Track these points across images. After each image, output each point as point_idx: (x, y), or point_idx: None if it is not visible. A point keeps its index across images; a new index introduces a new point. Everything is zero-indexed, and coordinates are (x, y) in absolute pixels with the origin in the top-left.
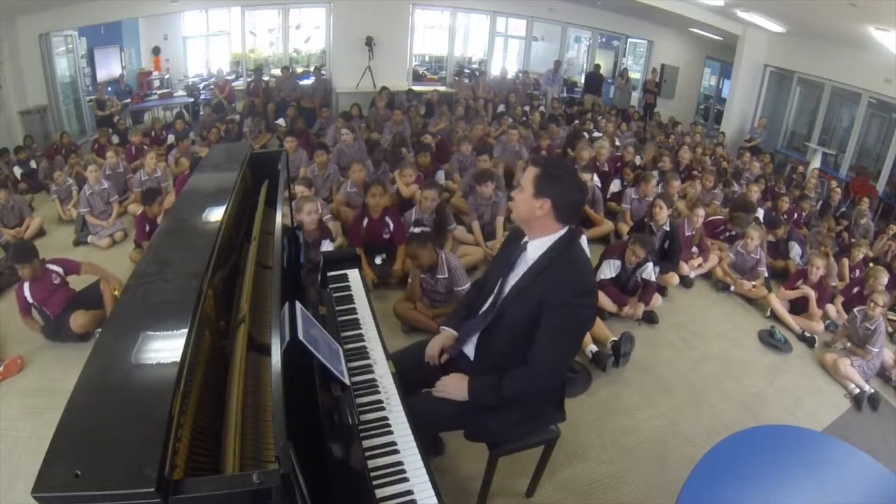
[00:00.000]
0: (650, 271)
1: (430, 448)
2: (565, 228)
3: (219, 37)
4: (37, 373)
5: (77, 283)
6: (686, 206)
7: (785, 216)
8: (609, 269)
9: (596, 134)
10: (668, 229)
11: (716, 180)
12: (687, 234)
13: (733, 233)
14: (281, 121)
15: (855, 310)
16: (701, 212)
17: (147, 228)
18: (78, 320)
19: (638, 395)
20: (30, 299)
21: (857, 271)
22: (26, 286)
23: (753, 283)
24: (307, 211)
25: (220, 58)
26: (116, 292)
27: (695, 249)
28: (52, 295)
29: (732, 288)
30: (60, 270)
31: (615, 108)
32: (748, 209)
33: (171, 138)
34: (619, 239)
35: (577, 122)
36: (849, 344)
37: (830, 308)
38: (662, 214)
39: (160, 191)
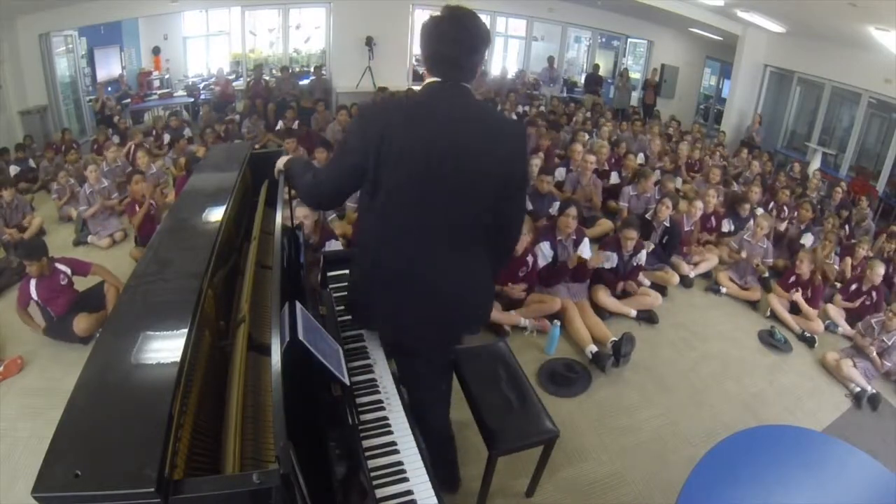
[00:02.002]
0: (642, 257)
1: (445, 477)
2: (432, 78)
3: (219, 37)
4: (37, 373)
5: (79, 283)
6: (685, 204)
7: (785, 208)
8: (607, 262)
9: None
10: (667, 224)
11: (720, 178)
12: (686, 228)
13: (732, 229)
14: (281, 123)
15: (872, 320)
16: (700, 204)
17: (136, 208)
18: (81, 324)
19: (638, 395)
20: (34, 297)
21: (859, 269)
22: (32, 283)
23: (747, 287)
24: (303, 215)
25: (220, 58)
26: None
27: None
28: (58, 296)
29: (724, 290)
30: (68, 271)
31: (613, 108)
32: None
33: (167, 138)
34: None
35: (574, 121)
36: (869, 348)
37: (831, 307)
38: (666, 213)
39: (140, 171)
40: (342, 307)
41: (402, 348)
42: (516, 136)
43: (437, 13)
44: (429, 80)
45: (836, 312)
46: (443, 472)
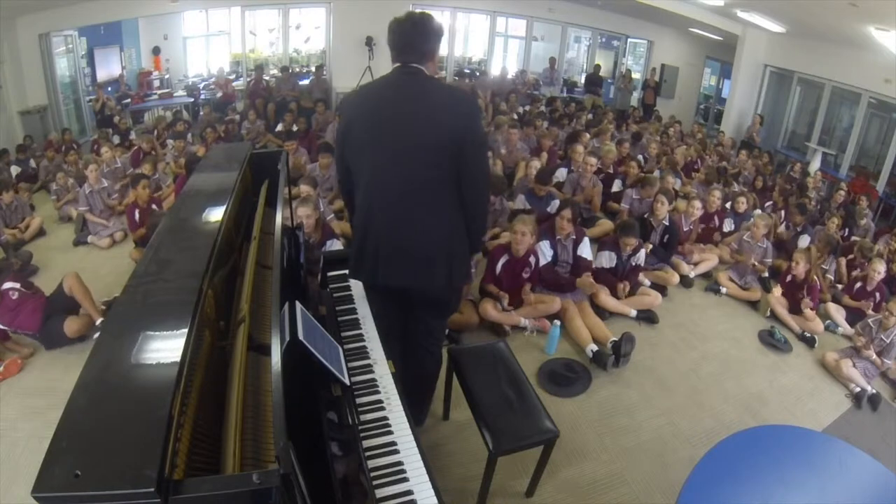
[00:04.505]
0: (641, 257)
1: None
2: (395, 64)
3: (219, 37)
4: (37, 373)
5: (46, 286)
6: (684, 203)
7: (784, 210)
8: (606, 261)
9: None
10: (667, 224)
11: (714, 178)
12: (685, 228)
13: (733, 229)
14: (280, 126)
15: (870, 320)
16: (698, 204)
17: (137, 217)
18: (72, 326)
19: (638, 395)
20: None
21: (860, 269)
22: None
23: (747, 287)
24: (304, 214)
25: (220, 58)
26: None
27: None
28: (18, 312)
29: (724, 290)
30: (17, 285)
31: (613, 109)
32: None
33: (169, 143)
34: None
35: (574, 121)
36: (867, 352)
37: (831, 307)
38: (662, 210)
39: (147, 176)
40: (342, 307)
41: (383, 290)
42: (465, 105)
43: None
44: (393, 66)
45: (836, 312)
46: (415, 409)
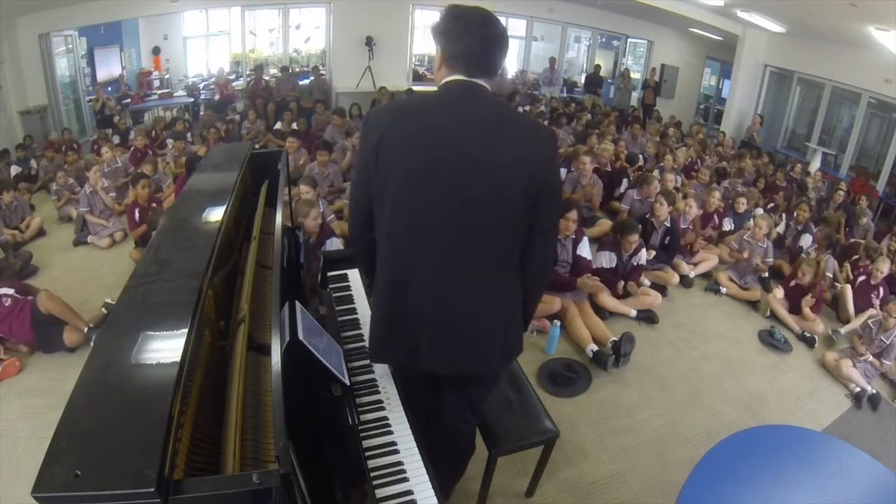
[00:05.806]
0: (643, 256)
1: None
2: (453, 75)
3: (219, 37)
4: (37, 373)
5: (44, 287)
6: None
7: (783, 214)
8: (606, 261)
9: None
10: (668, 225)
11: (715, 179)
12: (682, 226)
13: (732, 228)
14: (279, 125)
15: (870, 321)
16: (693, 202)
17: (137, 216)
18: (72, 338)
19: (638, 395)
20: None
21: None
22: None
23: (747, 287)
24: (313, 216)
25: (220, 58)
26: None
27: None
28: (11, 321)
29: (724, 290)
30: (11, 291)
31: (613, 108)
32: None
33: (169, 143)
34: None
35: (574, 121)
36: (866, 355)
37: (846, 289)
38: (663, 211)
39: (148, 176)
40: (342, 307)
41: (418, 375)
42: (544, 138)
43: (460, 6)
44: (449, 77)
45: (848, 296)
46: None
